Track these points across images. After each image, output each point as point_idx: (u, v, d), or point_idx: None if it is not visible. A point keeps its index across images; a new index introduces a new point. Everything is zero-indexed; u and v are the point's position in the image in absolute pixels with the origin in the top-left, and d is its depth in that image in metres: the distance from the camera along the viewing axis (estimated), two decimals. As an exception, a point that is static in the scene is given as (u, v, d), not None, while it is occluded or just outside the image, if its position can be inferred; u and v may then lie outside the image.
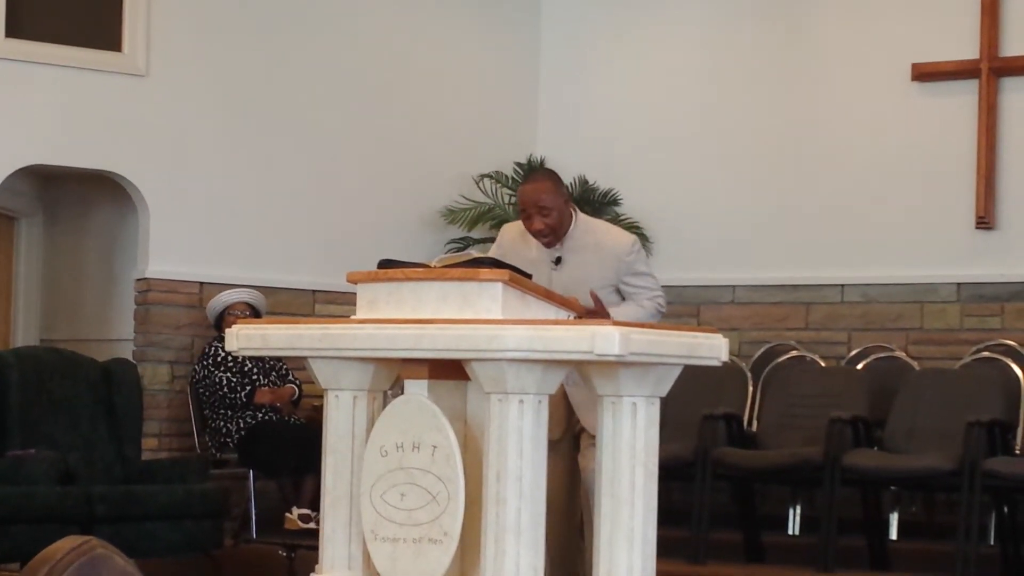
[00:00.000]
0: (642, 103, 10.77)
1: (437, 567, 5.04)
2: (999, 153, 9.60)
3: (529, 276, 5.46)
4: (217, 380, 9.34)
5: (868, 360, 9.60)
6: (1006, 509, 8.22)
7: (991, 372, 8.95)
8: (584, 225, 6.28)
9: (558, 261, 6.19)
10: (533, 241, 6.23)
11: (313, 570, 5.47)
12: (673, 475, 8.04)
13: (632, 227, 10.54)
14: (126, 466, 8.56)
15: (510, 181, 10.63)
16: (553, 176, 6.28)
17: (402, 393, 5.26)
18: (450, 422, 5.07)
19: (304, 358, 5.46)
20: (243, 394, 9.35)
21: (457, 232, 10.58)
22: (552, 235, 6.16)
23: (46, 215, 10.33)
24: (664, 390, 5.19)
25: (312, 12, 10.18)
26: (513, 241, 6.33)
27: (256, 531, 9.09)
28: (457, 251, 10.20)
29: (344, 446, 5.35)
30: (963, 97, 9.69)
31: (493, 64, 11.02)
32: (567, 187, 6.49)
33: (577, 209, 6.34)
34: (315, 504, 7.82)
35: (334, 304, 9.92)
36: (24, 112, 9.19)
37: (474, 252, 7.62)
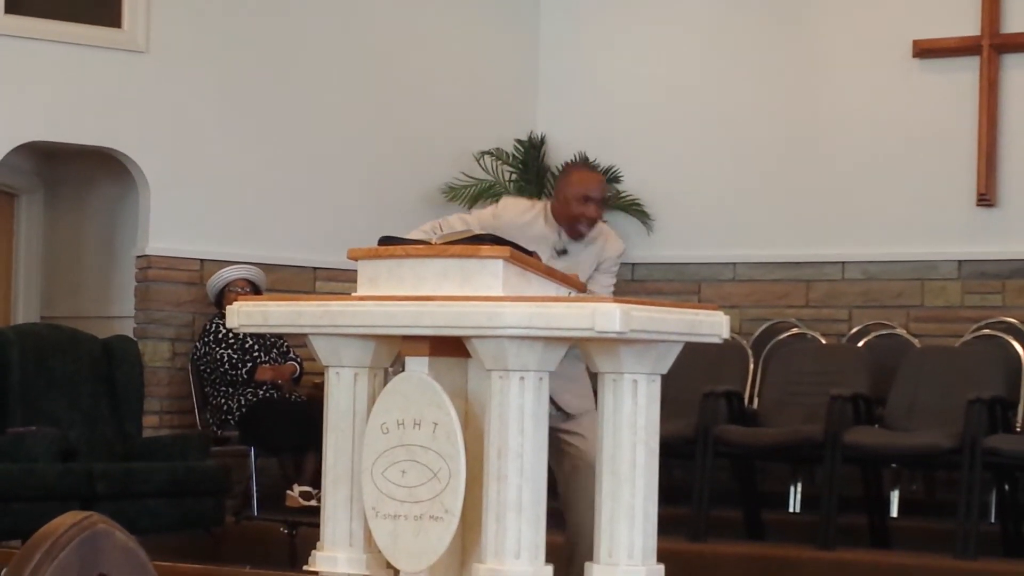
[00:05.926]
0: (643, 80, 10.75)
1: (438, 544, 5.03)
2: (1000, 130, 9.59)
3: (531, 254, 5.45)
4: (218, 357, 9.34)
5: (869, 337, 9.60)
6: (1007, 487, 8.21)
7: (992, 349, 8.95)
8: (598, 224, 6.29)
9: (563, 252, 6.14)
10: (536, 226, 6.17)
11: (314, 547, 5.47)
12: (674, 453, 8.03)
13: (633, 204, 10.55)
14: (127, 443, 8.56)
15: (510, 158, 10.61)
16: None
17: (403, 370, 5.25)
18: (451, 399, 5.06)
19: (305, 335, 5.45)
20: (244, 371, 9.35)
21: (458, 209, 10.54)
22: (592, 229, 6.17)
23: (46, 192, 10.32)
24: (665, 367, 5.17)
25: (312, -11, 10.16)
26: (514, 221, 6.26)
27: (257, 508, 9.09)
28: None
29: (345, 423, 5.34)
30: (964, 74, 9.67)
31: (493, 41, 11.00)
32: None
33: None
34: (316, 481, 7.82)
35: (335, 281, 9.91)
36: (24, 89, 9.17)
37: (475, 229, 7.58)
